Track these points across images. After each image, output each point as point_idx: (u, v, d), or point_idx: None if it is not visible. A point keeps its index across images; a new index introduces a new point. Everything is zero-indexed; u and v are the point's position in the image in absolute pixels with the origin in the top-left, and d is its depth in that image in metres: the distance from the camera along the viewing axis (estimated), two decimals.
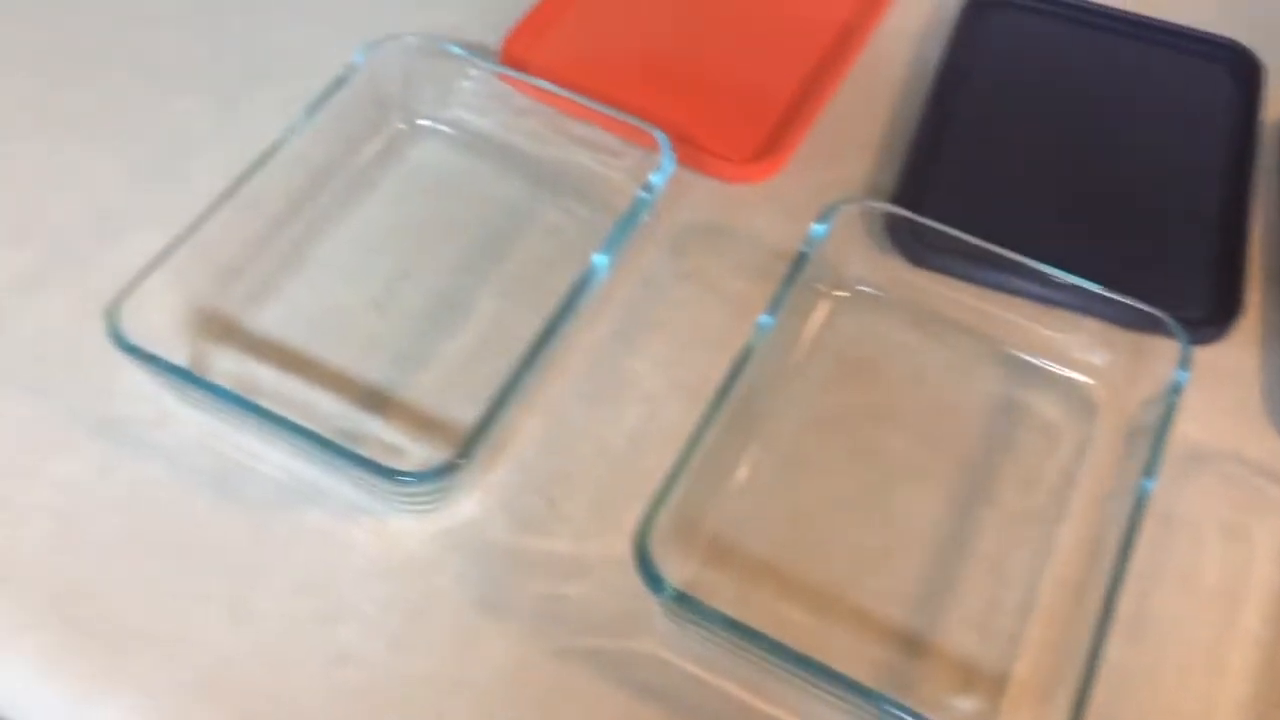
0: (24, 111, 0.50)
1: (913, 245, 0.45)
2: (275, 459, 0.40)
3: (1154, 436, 0.38)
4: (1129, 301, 0.41)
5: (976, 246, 0.42)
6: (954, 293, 0.44)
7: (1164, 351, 0.40)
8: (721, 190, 0.48)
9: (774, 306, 0.40)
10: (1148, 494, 0.36)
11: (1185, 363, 0.39)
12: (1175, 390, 0.39)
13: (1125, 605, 0.35)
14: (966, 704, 0.36)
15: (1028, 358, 0.43)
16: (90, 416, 0.41)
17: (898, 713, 0.33)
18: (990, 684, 0.36)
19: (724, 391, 0.38)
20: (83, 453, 0.41)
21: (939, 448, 0.41)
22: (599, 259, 0.42)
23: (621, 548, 0.38)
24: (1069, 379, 0.43)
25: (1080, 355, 0.43)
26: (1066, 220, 0.47)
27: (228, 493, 0.40)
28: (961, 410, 0.42)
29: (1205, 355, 0.43)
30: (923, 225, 0.43)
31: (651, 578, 0.34)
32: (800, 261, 0.42)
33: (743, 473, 0.40)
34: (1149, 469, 0.37)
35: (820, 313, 0.44)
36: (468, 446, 0.37)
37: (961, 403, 0.42)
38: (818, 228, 0.42)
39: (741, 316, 0.44)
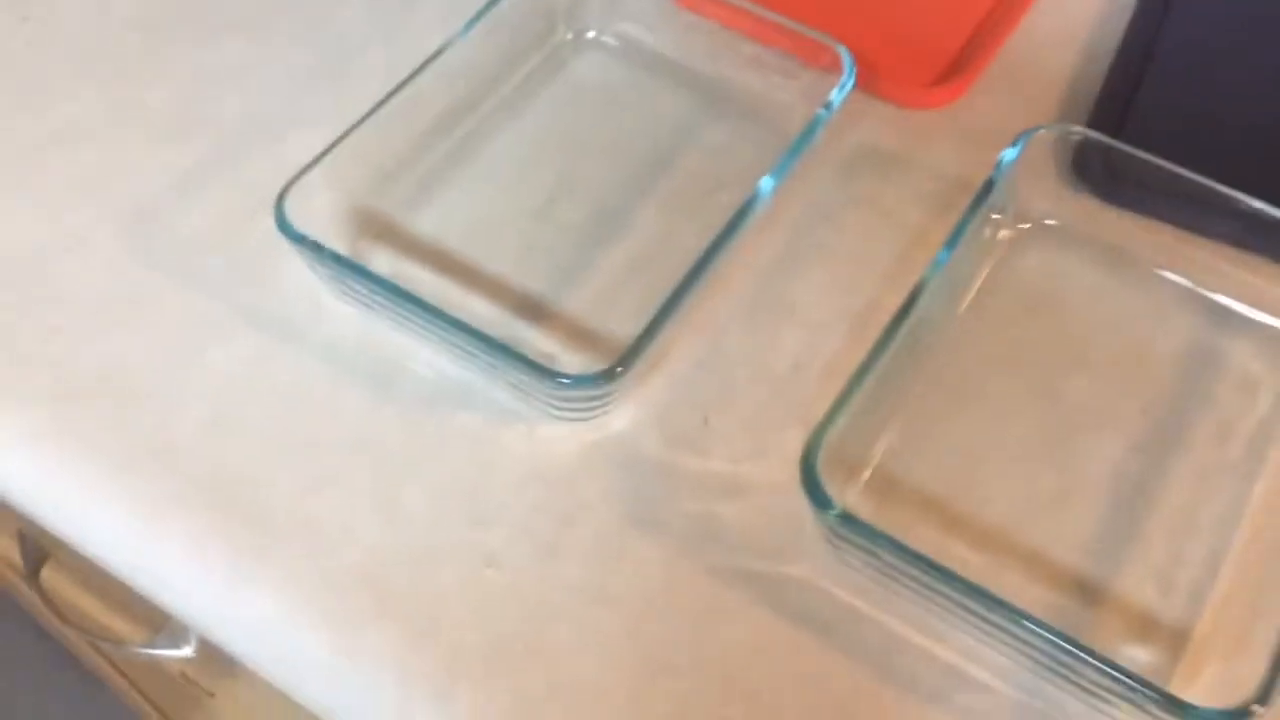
0: (186, 11, 0.51)
1: (1105, 178, 0.42)
2: (427, 358, 0.40)
3: None
4: None
5: (1176, 179, 0.39)
6: (1147, 232, 0.41)
7: None
8: (896, 115, 0.46)
9: (954, 237, 0.38)
10: None
11: None
12: None
13: None
14: (1142, 655, 0.34)
15: (1227, 303, 0.40)
16: (248, 309, 0.41)
17: (1068, 648, 0.31)
18: (1170, 637, 0.34)
19: (898, 320, 0.36)
20: (240, 343, 0.41)
21: (1125, 393, 0.39)
22: (767, 180, 0.40)
23: (778, 471, 0.37)
24: (1274, 328, 0.40)
25: None
26: None
27: (379, 390, 0.40)
28: (1150, 355, 0.39)
29: None
30: (1118, 155, 0.40)
31: (818, 496, 0.33)
32: (986, 189, 0.39)
33: (911, 406, 0.38)
34: None
35: (1000, 247, 0.42)
36: (627, 356, 0.36)
37: (1151, 347, 0.40)
38: (1009, 152, 0.40)
39: (914, 245, 0.42)
